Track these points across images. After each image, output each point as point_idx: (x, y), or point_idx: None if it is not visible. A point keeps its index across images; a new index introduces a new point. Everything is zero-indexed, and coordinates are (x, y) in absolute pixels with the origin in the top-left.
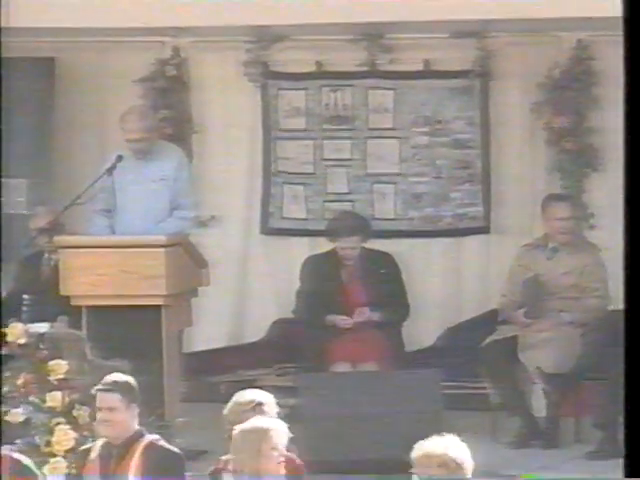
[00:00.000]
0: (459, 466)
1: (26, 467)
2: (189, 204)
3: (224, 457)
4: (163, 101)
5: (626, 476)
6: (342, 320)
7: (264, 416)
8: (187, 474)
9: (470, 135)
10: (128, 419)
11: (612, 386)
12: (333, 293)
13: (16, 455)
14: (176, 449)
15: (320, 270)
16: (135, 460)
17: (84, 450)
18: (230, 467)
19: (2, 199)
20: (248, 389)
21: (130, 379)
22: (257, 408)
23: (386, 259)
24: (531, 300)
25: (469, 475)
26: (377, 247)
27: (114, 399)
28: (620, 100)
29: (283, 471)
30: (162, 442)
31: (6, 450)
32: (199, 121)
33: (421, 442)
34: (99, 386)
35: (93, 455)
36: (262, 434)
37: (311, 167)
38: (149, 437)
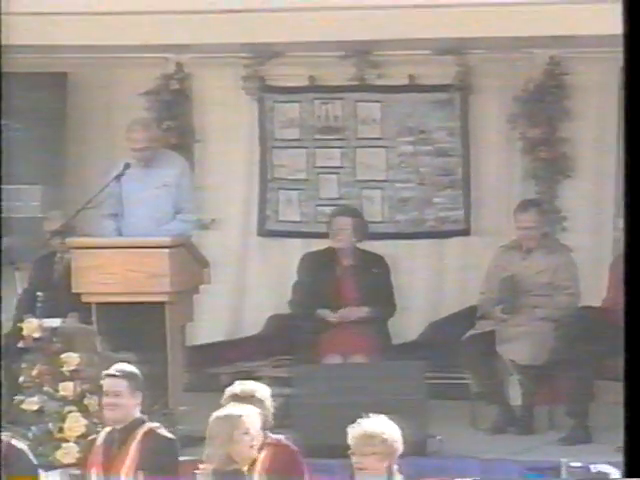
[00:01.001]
0: (393, 446)
1: (22, 452)
2: (191, 208)
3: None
4: (167, 113)
5: (626, 476)
6: (332, 315)
7: (253, 406)
8: (186, 458)
9: (451, 144)
10: (131, 405)
11: (582, 377)
12: (327, 288)
13: (13, 441)
14: (172, 436)
15: (316, 265)
16: (135, 445)
17: (91, 440)
18: (206, 454)
19: (18, 204)
20: (245, 380)
21: (135, 370)
22: (250, 399)
23: (378, 260)
24: (508, 297)
25: (399, 452)
26: (368, 248)
27: (120, 385)
28: (590, 112)
29: (256, 454)
30: (161, 430)
31: (6, 436)
32: (200, 131)
33: (357, 423)
34: (108, 371)
35: (98, 442)
36: (233, 420)
37: (304, 174)
38: (149, 424)
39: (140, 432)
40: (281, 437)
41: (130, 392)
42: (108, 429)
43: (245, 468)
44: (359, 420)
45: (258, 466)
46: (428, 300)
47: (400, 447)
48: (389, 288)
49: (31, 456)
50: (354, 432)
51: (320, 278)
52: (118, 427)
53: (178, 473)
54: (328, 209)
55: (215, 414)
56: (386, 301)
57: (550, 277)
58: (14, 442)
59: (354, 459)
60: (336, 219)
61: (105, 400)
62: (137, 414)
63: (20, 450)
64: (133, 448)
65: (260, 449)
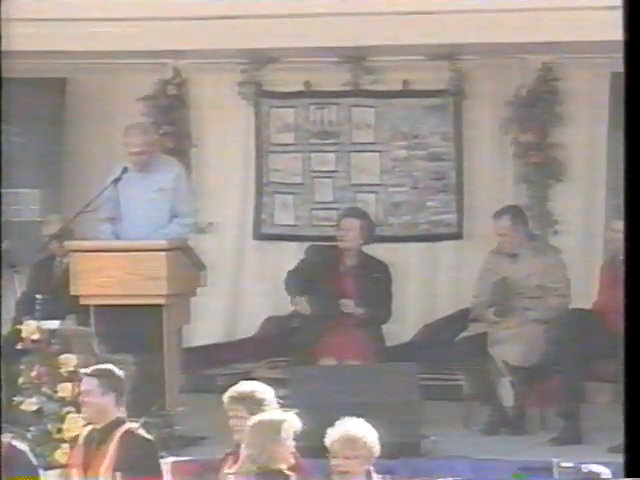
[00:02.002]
0: (373, 449)
1: (22, 453)
2: (188, 212)
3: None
4: (164, 118)
5: (626, 476)
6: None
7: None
8: (182, 459)
9: (444, 149)
10: (103, 404)
11: (572, 378)
12: (327, 280)
13: (14, 442)
14: (150, 437)
15: (320, 257)
16: (113, 445)
17: (74, 437)
18: (242, 455)
19: (17, 208)
20: (247, 381)
21: (114, 370)
22: (254, 400)
23: (381, 267)
24: (499, 300)
25: (377, 455)
26: (372, 254)
27: (91, 383)
28: (582, 117)
29: (293, 461)
30: (140, 430)
31: (6, 437)
32: (197, 136)
33: (337, 426)
34: (82, 370)
35: (80, 441)
36: (278, 424)
37: (300, 178)
38: (128, 425)
39: (118, 432)
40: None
41: (102, 391)
42: (89, 428)
43: (285, 469)
44: (337, 423)
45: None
46: (421, 302)
47: (378, 450)
48: (387, 294)
49: (32, 457)
50: (335, 435)
51: (323, 268)
52: (98, 427)
53: (159, 474)
54: (323, 212)
55: (257, 417)
56: (383, 306)
57: (540, 279)
58: (15, 443)
59: (336, 462)
60: (344, 220)
61: (80, 398)
62: (116, 414)
63: (21, 451)
64: (111, 448)
65: None
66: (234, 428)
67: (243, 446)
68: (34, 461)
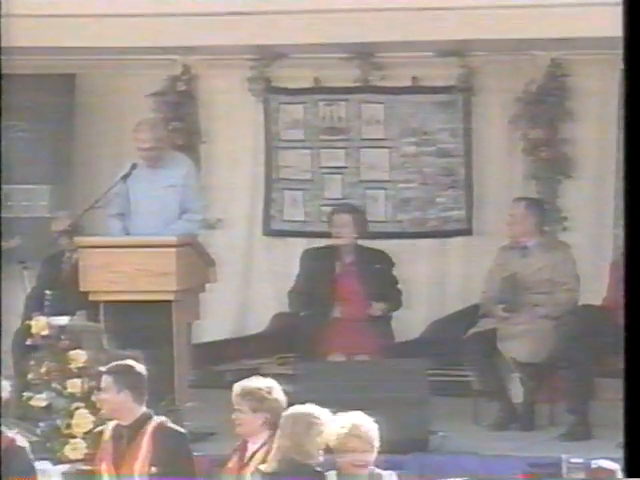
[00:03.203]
0: (373, 441)
1: (22, 450)
2: (197, 208)
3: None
4: (174, 114)
5: (626, 476)
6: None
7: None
8: (196, 454)
9: (454, 145)
10: (119, 402)
11: (582, 374)
12: (327, 284)
13: (17, 438)
14: (182, 429)
15: (317, 261)
16: (146, 440)
17: (98, 432)
18: (275, 446)
19: (26, 204)
20: (258, 377)
21: (134, 366)
22: (256, 396)
23: (380, 255)
24: (509, 296)
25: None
26: (368, 245)
27: (107, 380)
28: (591, 113)
29: (321, 458)
30: (169, 423)
31: (10, 432)
32: (207, 132)
33: (345, 421)
34: (100, 368)
35: (106, 437)
36: (311, 418)
37: (309, 174)
38: (157, 419)
39: (150, 427)
40: None
41: (117, 388)
42: (113, 425)
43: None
44: (342, 417)
45: (256, 459)
46: (431, 299)
47: (377, 443)
48: (393, 281)
49: (31, 456)
50: (336, 429)
51: (321, 274)
52: (124, 423)
53: (192, 467)
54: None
55: (293, 409)
56: (391, 294)
57: (550, 273)
58: (16, 438)
59: (338, 456)
60: (336, 216)
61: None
62: (142, 410)
63: (20, 447)
64: (145, 443)
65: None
66: (235, 422)
67: (276, 436)
68: (32, 461)
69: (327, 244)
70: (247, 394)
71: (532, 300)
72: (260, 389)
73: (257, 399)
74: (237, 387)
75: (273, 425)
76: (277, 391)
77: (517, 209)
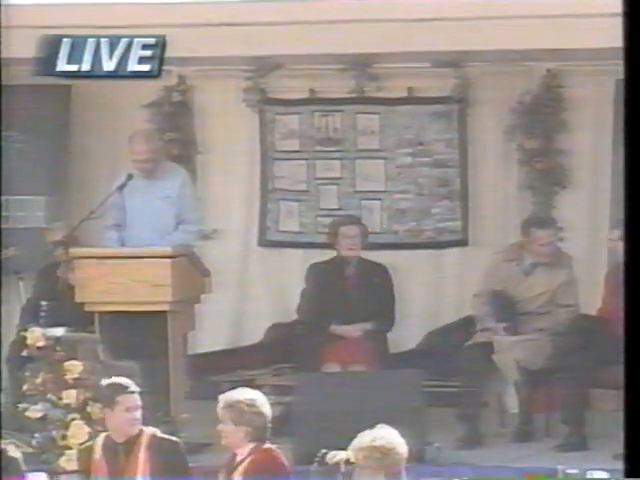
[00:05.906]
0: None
1: (14, 461)
2: (193, 219)
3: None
4: (169, 124)
5: (626, 476)
6: (341, 329)
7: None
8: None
9: (449, 156)
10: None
11: (578, 385)
12: (335, 299)
13: (10, 449)
14: (175, 438)
15: (324, 276)
16: (143, 452)
17: (86, 448)
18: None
19: (22, 215)
20: (243, 389)
21: (125, 385)
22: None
23: (381, 270)
24: (506, 311)
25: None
26: (369, 258)
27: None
28: (586, 124)
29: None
30: (160, 434)
31: (5, 443)
32: (202, 143)
33: (375, 436)
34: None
35: (97, 453)
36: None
37: (304, 185)
38: (148, 431)
39: (143, 440)
40: (272, 446)
41: (111, 408)
42: (102, 437)
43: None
44: (371, 432)
45: (240, 469)
46: (426, 309)
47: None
48: (391, 300)
49: (24, 467)
50: (363, 443)
51: (328, 289)
52: (119, 441)
53: (189, 474)
54: (328, 219)
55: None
56: (386, 314)
57: (551, 295)
58: (9, 449)
59: (360, 472)
60: (344, 228)
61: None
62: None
63: (13, 458)
64: (142, 455)
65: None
66: (221, 434)
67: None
68: (25, 470)
69: (331, 257)
70: (228, 406)
71: (531, 317)
72: (240, 402)
73: (237, 412)
74: (221, 399)
75: (256, 437)
76: (260, 403)
77: (549, 231)
